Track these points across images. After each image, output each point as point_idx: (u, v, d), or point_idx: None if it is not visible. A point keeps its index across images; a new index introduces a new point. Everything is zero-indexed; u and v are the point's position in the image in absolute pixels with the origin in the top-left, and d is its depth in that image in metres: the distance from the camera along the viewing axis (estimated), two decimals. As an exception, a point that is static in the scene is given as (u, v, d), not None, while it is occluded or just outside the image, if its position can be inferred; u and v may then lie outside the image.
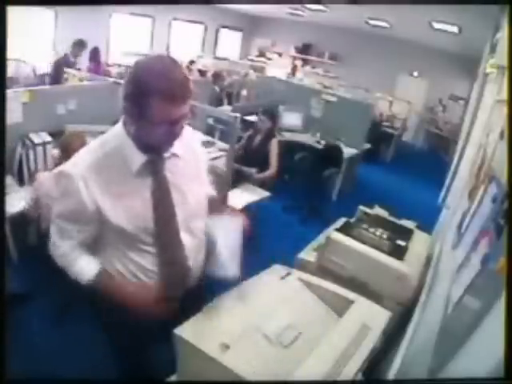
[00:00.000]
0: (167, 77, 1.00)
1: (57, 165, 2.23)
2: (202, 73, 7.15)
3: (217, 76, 6.18)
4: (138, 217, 1.13)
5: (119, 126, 1.13)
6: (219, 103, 5.75)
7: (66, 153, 2.22)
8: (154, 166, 1.14)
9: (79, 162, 1.09)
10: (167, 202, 1.16)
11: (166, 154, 1.15)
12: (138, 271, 1.19)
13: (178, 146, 1.15)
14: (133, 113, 1.04)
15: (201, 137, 1.95)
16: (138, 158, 1.11)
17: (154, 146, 1.11)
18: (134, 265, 1.19)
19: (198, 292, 1.29)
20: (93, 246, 1.20)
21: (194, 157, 1.24)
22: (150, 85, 0.98)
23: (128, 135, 1.11)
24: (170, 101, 1.00)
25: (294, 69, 9.74)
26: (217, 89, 5.97)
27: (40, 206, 2.20)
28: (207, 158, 1.38)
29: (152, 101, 0.99)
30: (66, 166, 1.09)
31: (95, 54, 5.99)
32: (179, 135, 1.10)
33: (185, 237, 1.21)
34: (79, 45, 4.98)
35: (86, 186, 1.07)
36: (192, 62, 7.45)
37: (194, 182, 1.23)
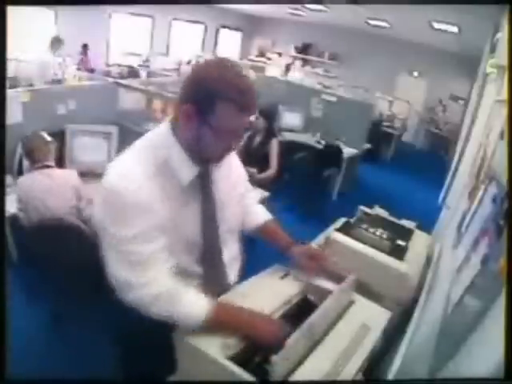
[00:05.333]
0: (244, 83, 0.92)
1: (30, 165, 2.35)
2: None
3: None
4: (189, 231, 1.05)
5: (166, 133, 1.01)
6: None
7: (31, 153, 2.34)
8: (204, 178, 1.05)
9: (133, 176, 0.93)
10: (214, 215, 1.09)
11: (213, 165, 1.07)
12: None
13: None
14: (197, 119, 0.93)
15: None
16: (190, 171, 1.00)
17: (210, 157, 1.02)
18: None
19: None
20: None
21: (229, 167, 1.16)
22: (225, 90, 0.90)
23: (180, 144, 0.99)
24: (244, 109, 0.93)
25: (288, 66, 9.69)
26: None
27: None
28: (244, 172, 1.29)
29: (225, 108, 0.91)
30: (120, 184, 0.92)
31: (85, 50, 6.83)
32: (237, 147, 1.02)
33: (224, 251, 1.16)
34: None
35: (150, 197, 0.94)
36: (189, 62, 7.48)
37: (231, 195, 1.16)
